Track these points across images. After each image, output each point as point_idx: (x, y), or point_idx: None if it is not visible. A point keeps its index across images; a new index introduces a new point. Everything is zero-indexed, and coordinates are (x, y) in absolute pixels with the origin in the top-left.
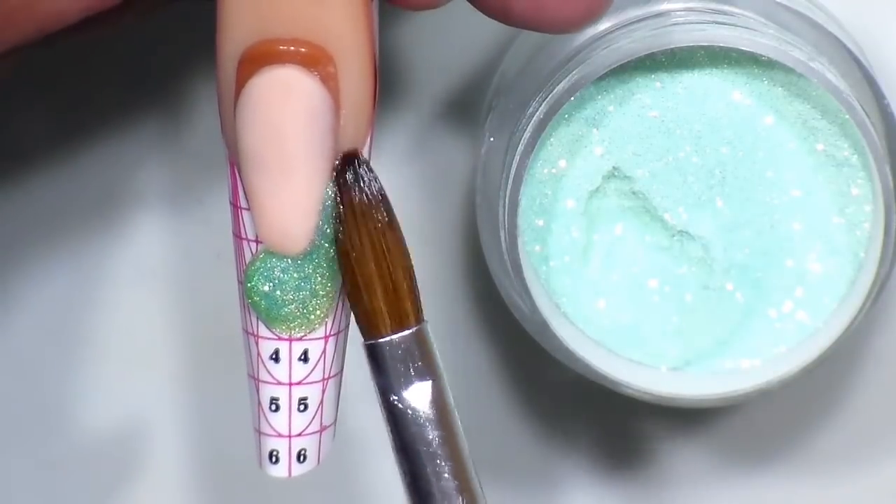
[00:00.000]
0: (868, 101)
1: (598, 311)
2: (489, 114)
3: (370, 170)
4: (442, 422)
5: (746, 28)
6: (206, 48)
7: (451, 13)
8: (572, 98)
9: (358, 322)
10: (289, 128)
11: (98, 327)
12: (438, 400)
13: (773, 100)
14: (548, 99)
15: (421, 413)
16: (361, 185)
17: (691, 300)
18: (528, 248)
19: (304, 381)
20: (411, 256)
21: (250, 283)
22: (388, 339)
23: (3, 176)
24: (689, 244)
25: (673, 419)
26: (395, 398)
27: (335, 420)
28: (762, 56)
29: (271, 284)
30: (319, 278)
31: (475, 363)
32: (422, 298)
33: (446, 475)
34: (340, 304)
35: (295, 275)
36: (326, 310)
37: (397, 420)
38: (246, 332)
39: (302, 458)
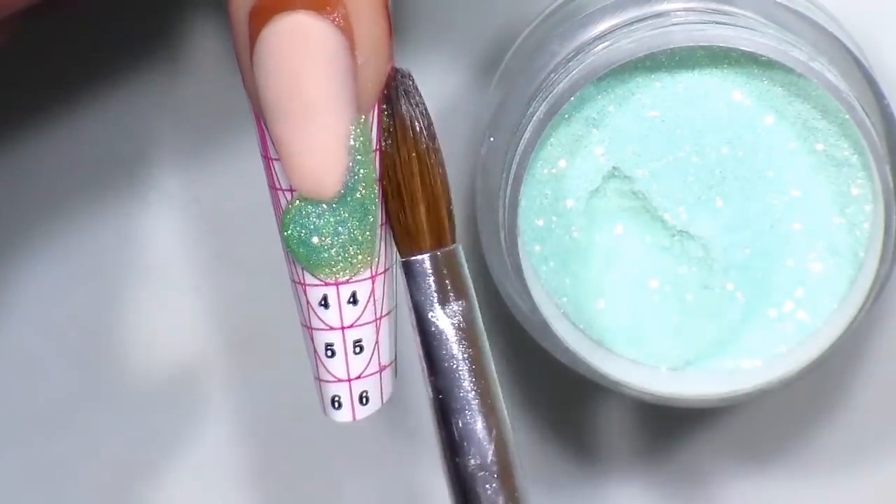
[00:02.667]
0: (868, 101)
1: (598, 311)
2: (489, 114)
3: (417, 89)
4: (472, 341)
5: (746, 28)
6: (202, 32)
7: (450, 13)
8: (572, 98)
9: (396, 238)
10: (307, 74)
11: (96, 327)
12: (470, 319)
13: (773, 100)
14: (548, 99)
15: (453, 331)
16: (412, 100)
17: (691, 300)
18: (528, 248)
19: (357, 324)
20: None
21: (287, 231)
22: (427, 255)
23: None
24: (689, 244)
25: (673, 419)
26: (430, 315)
27: (394, 358)
28: (762, 56)
29: (307, 231)
30: (357, 221)
31: None
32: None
33: (472, 393)
34: (384, 243)
35: (331, 220)
36: (368, 252)
37: (429, 337)
38: (294, 281)
39: (364, 400)
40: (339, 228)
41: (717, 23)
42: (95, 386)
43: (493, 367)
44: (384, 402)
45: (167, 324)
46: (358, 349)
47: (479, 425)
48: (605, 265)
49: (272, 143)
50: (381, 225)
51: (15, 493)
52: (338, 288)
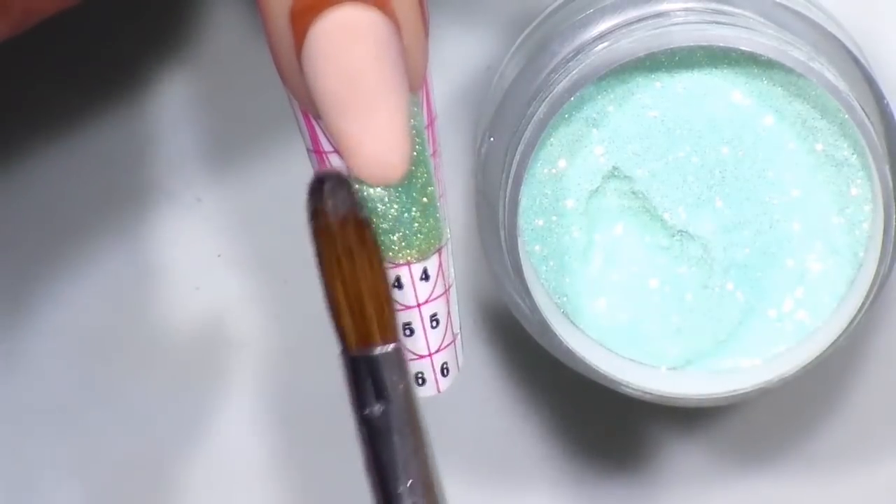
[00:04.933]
0: (867, 101)
1: (598, 310)
2: (489, 114)
3: (345, 187)
4: (407, 441)
5: (746, 28)
6: (206, 32)
7: (450, 12)
8: (572, 98)
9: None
10: (365, 65)
11: (98, 326)
12: (403, 420)
13: (772, 100)
14: (548, 99)
15: (385, 430)
16: (331, 204)
17: (691, 300)
18: (528, 248)
19: (431, 299)
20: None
21: None
22: (354, 356)
23: (3, 173)
24: (688, 244)
25: (673, 419)
26: (362, 412)
27: (460, 324)
28: (762, 56)
29: (375, 219)
30: (420, 207)
31: (475, 363)
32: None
33: (409, 491)
34: (445, 217)
35: (395, 205)
36: (436, 237)
37: (364, 432)
38: None
39: (445, 371)
40: (405, 216)
41: (716, 23)
42: (95, 384)
43: (434, 465)
44: (460, 369)
45: (168, 323)
46: (434, 323)
47: None
48: (605, 265)
49: (329, 137)
50: (440, 197)
51: (26, 493)
52: (410, 268)
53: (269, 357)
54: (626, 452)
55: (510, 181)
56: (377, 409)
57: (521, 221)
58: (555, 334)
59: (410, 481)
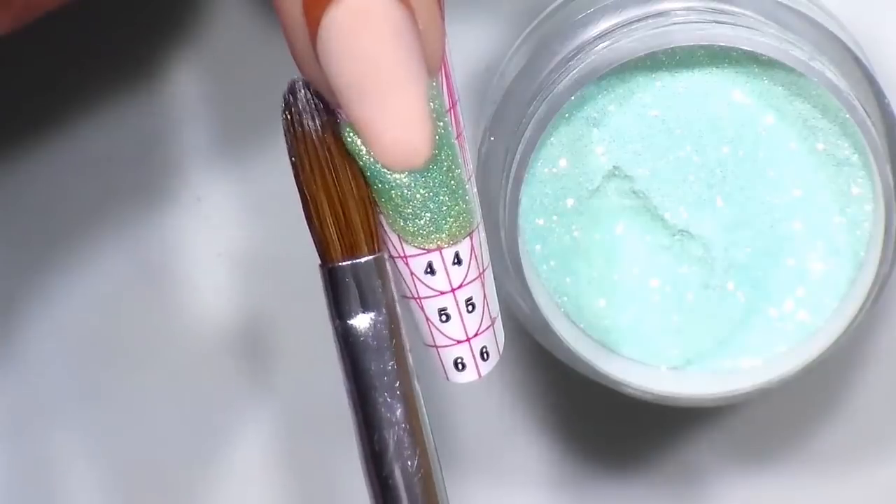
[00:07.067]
0: (868, 101)
1: (598, 310)
2: (489, 113)
3: (317, 98)
4: (390, 352)
5: (747, 27)
6: (206, 31)
7: (450, 13)
8: (573, 97)
9: (315, 246)
10: (380, 51)
11: (97, 327)
12: (387, 330)
13: (773, 99)
14: (548, 98)
15: (370, 340)
16: (310, 113)
17: (692, 299)
18: (529, 248)
19: (465, 283)
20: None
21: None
22: (338, 265)
23: (3, 173)
24: (689, 243)
25: (673, 419)
26: (346, 323)
27: (499, 308)
28: (762, 55)
29: (403, 203)
30: (447, 191)
31: None
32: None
33: (392, 403)
34: (476, 200)
35: (422, 190)
36: (467, 221)
37: (345, 345)
38: (391, 257)
39: (485, 355)
40: (433, 200)
41: (717, 22)
42: (95, 384)
43: (413, 379)
44: (500, 353)
45: (168, 323)
46: (470, 307)
47: (394, 444)
48: (606, 264)
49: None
50: (468, 179)
51: (25, 493)
52: (441, 253)
53: (269, 357)
54: (627, 452)
55: (510, 181)
56: (363, 318)
57: (522, 221)
58: (555, 334)
59: (397, 393)
